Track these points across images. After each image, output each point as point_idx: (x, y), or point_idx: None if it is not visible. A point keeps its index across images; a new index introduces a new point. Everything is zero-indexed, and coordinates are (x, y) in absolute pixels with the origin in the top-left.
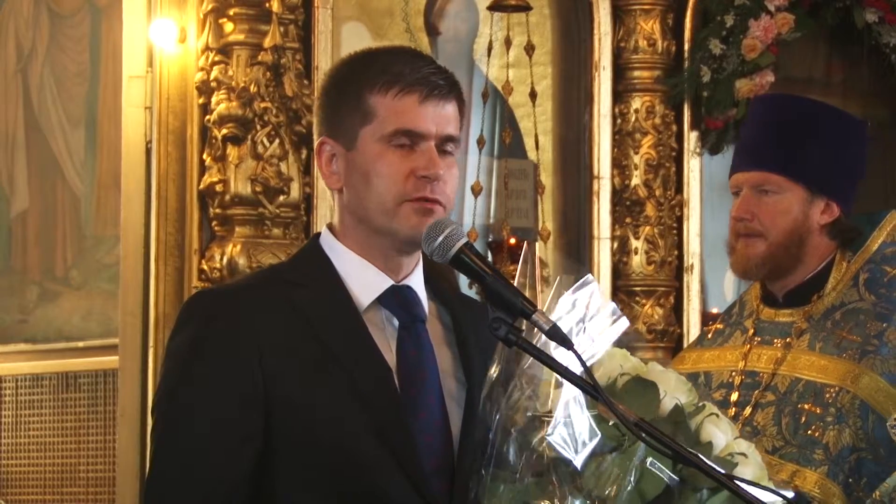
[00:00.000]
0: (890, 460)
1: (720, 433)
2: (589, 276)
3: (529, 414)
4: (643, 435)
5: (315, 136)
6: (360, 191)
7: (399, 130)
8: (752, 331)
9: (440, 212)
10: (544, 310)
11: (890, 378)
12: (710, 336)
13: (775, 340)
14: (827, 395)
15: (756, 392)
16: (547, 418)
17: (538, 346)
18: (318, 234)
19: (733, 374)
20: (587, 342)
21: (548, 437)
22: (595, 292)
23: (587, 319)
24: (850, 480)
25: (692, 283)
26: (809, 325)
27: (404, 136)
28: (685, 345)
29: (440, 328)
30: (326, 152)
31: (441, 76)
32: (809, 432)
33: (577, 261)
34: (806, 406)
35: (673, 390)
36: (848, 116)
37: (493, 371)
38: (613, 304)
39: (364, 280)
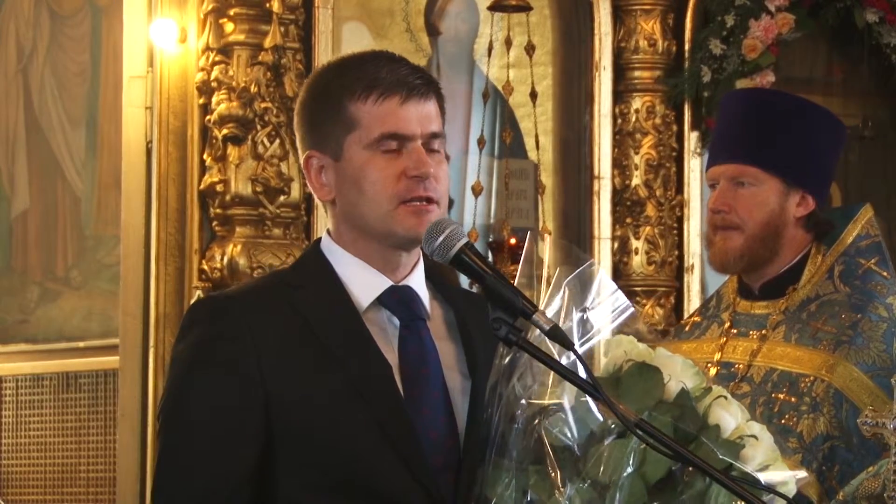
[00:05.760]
0: (861, 450)
1: (729, 416)
2: (592, 260)
3: (523, 402)
4: (644, 435)
5: (299, 150)
6: (353, 199)
7: (385, 135)
8: (728, 323)
9: (435, 210)
10: (544, 300)
11: (864, 367)
12: (687, 329)
13: (751, 332)
14: (802, 385)
15: (731, 384)
16: (550, 406)
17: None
18: (319, 240)
19: (709, 365)
20: (589, 324)
21: (549, 425)
22: (602, 278)
23: (591, 306)
24: (824, 468)
25: (692, 283)
26: (785, 317)
27: (391, 140)
28: None
29: (443, 325)
30: (314, 165)
31: (418, 76)
32: (783, 421)
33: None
34: (780, 396)
35: (679, 375)
36: (821, 110)
37: (498, 361)
38: (619, 291)
39: (363, 281)
